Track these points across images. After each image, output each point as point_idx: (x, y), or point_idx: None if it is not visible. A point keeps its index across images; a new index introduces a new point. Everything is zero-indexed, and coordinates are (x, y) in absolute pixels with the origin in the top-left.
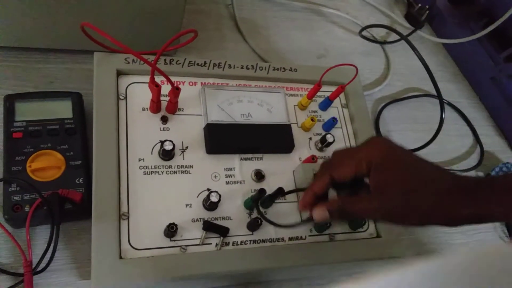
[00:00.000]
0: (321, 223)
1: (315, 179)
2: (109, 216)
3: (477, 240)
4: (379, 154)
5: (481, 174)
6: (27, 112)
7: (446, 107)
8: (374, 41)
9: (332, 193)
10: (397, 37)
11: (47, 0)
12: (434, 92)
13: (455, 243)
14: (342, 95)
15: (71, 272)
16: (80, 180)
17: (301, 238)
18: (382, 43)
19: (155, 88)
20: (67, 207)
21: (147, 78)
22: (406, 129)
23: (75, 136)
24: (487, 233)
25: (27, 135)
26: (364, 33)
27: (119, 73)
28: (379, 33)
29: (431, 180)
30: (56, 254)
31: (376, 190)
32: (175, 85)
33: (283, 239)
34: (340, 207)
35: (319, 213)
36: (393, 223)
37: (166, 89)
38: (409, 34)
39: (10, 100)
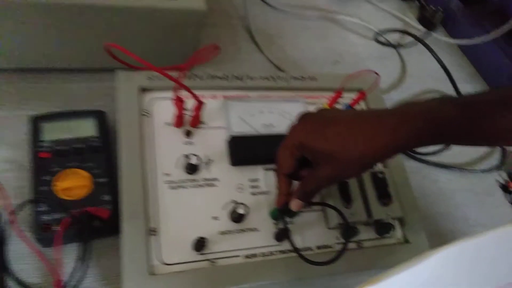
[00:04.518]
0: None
1: (277, 184)
2: (138, 232)
3: None
4: (302, 136)
5: (503, 173)
6: (53, 132)
7: None
8: (389, 45)
9: None
10: (411, 40)
11: (70, 22)
12: (451, 92)
13: None
14: (362, 101)
15: None
16: (107, 197)
17: (329, 246)
18: (397, 46)
19: (180, 103)
20: (95, 225)
21: (169, 93)
22: None
23: (100, 154)
24: None
25: (54, 154)
26: (378, 37)
27: (142, 90)
28: (392, 37)
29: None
30: None
31: (315, 164)
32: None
33: (310, 248)
34: (304, 193)
35: (295, 204)
36: (346, 176)
37: (188, 103)
38: (424, 37)
39: (36, 121)
